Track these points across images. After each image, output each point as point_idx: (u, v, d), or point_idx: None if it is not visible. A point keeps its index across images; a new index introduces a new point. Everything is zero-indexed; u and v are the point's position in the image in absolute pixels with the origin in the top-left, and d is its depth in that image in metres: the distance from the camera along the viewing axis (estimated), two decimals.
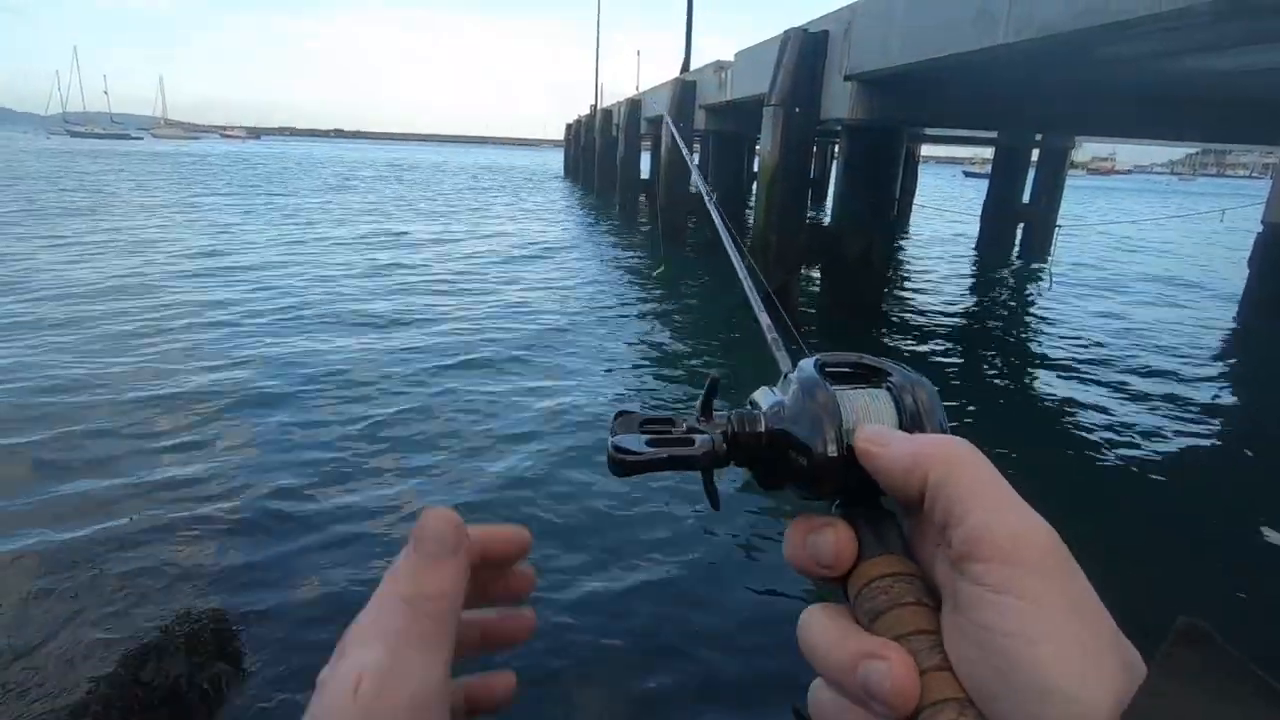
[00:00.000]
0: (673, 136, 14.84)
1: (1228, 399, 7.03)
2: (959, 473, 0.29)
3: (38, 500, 3.93)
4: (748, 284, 0.57)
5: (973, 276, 13.56)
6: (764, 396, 0.37)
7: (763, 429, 0.36)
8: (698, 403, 0.38)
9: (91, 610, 3.04)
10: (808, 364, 0.36)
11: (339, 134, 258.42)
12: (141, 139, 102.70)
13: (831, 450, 0.33)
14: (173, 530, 3.67)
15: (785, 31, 8.16)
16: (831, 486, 0.34)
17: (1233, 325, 9.98)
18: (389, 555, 3.51)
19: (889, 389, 0.35)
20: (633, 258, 13.75)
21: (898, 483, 0.31)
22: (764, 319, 0.50)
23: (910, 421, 0.33)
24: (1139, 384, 7.01)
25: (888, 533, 0.32)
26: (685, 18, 23.15)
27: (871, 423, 0.33)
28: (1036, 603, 0.26)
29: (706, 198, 0.87)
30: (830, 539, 0.32)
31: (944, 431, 0.33)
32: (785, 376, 0.37)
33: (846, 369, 0.37)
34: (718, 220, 0.70)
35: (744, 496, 3.98)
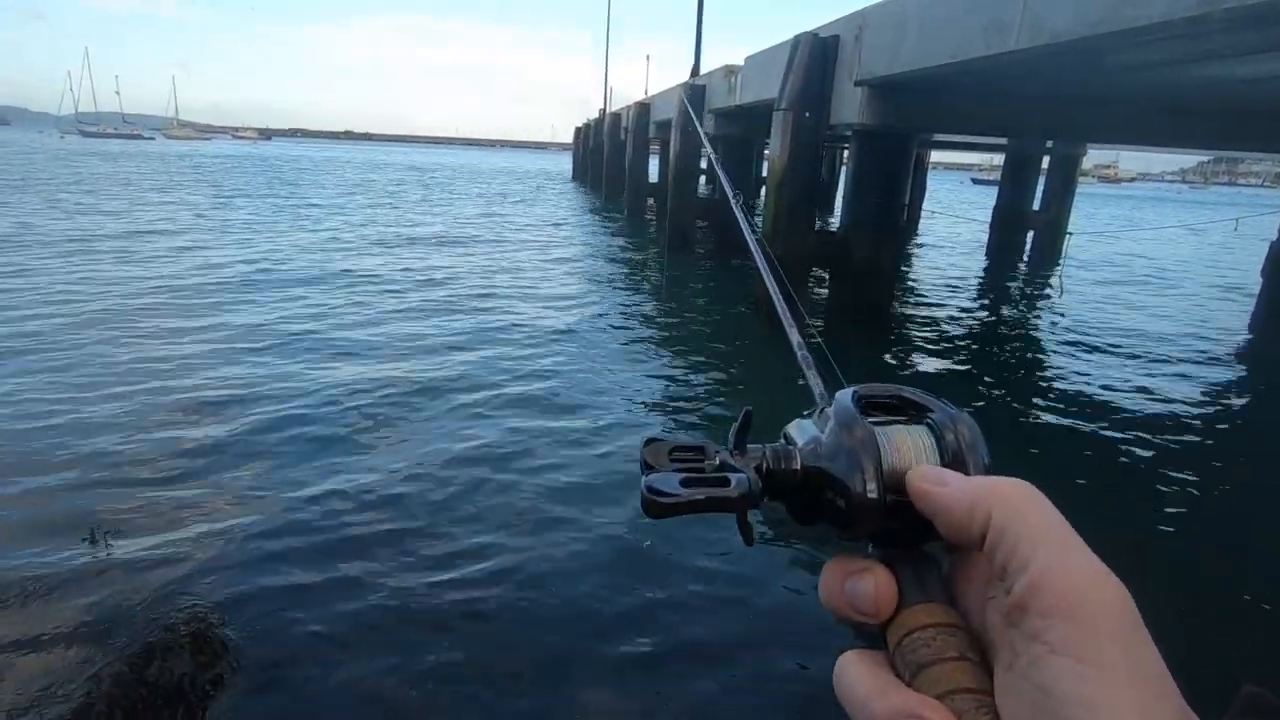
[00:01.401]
0: (681, 143, 14.84)
1: (1242, 411, 6.96)
2: (1024, 515, 0.28)
3: (44, 498, 3.95)
4: (779, 301, 0.54)
5: (982, 284, 13.50)
6: (799, 431, 0.36)
7: (798, 466, 0.34)
8: (730, 435, 0.36)
9: (96, 609, 3.06)
10: (845, 396, 0.35)
11: (349, 135, 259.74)
12: (154, 139, 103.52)
13: (871, 490, 0.31)
14: (180, 529, 3.68)
15: (796, 36, 8.15)
16: (869, 528, 0.32)
17: (1246, 335, 9.89)
18: (392, 563, 3.51)
19: (929, 425, 0.33)
20: (642, 265, 13.75)
21: (957, 524, 0.29)
22: (794, 336, 0.48)
23: (952, 459, 0.32)
24: (1151, 396, 6.95)
25: (929, 578, 0.31)
26: (695, 23, 23.17)
27: (912, 461, 0.32)
28: (1101, 667, 0.24)
29: (733, 201, 0.85)
30: (870, 586, 0.31)
31: (987, 470, 0.32)
32: (821, 411, 0.35)
33: (885, 401, 0.35)
34: (746, 230, 0.68)
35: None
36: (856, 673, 0.30)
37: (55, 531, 3.61)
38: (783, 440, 0.36)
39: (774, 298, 0.54)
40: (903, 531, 0.32)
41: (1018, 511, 0.28)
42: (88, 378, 5.80)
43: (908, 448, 0.32)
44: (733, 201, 0.86)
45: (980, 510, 0.28)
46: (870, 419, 0.33)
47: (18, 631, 2.89)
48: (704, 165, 21.03)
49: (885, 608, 0.30)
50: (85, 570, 3.31)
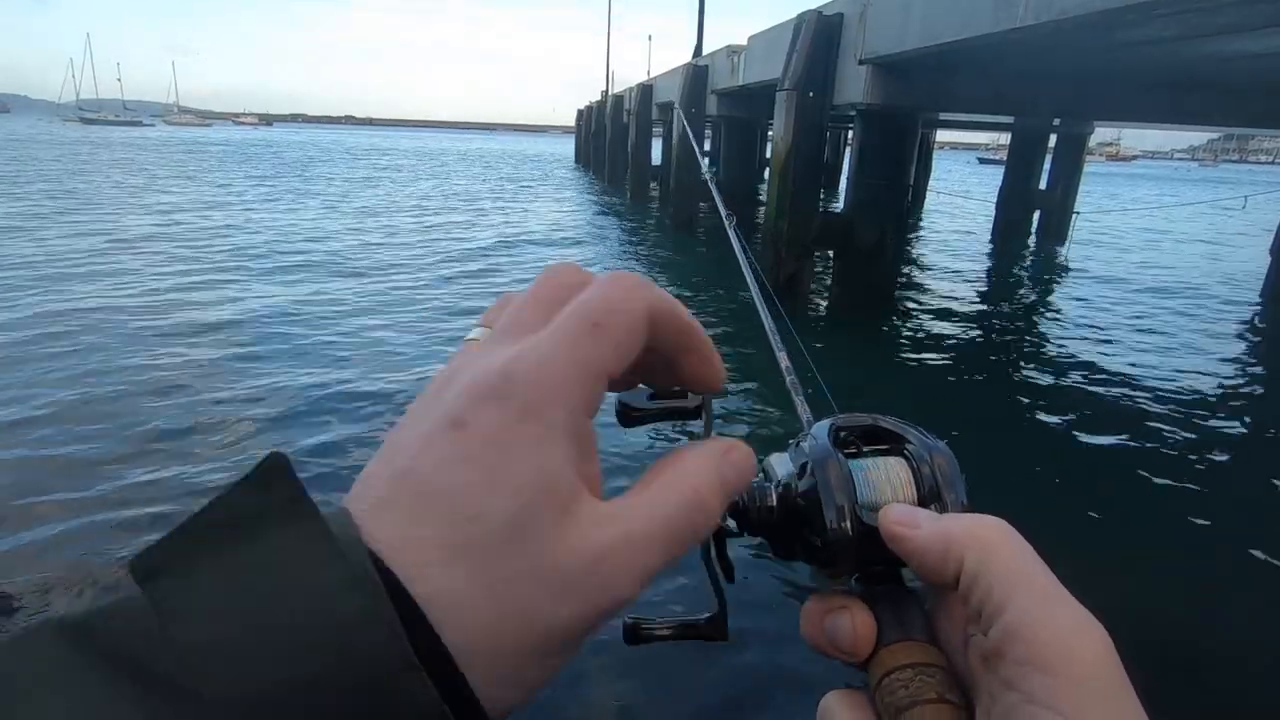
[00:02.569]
0: (684, 128, 14.72)
1: (1248, 391, 6.93)
2: (997, 558, 0.27)
3: (68, 491, 3.99)
4: (769, 325, 0.55)
5: (988, 264, 13.42)
6: (778, 465, 0.36)
7: (774, 503, 0.34)
8: None
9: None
10: (821, 430, 0.34)
11: (350, 120, 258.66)
12: (154, 126, 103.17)
13: (846, 528, 0.31)
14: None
15: (799, 15, 8.06)
16: (847, 565, 0.32)
17: (1254, 314, 9.83)
18: None
19: (906, 456, 0.33)
20: (645, 248, 13.71)
21: (931, 567, 0.29)
22: (783, 360, 0.49)
23: (928, 493, 0.32)
24: (1157, 374, 6.92)
25: (909, 615, 0.30)
26: (698, 2, 22.91)
27: (888, 496, 0.32)
28: None
29: (725, 221, 0.83)
30: (848, 624, 0.30)
31: (964, 503, 0.32)
32: (798, 445, 0.35)
33: (863, 431, 0.35)
34: (740, 255, 0.68)
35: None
36: (838, 717, 0.30)
37: (76, 522, 3.64)
38: (761, 475, 0.36)
39: (764, 322, 0.55)
40: (882, 565, 0.31)
41: (991, 557, 0.27)
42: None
43: (884, 482, 0.32)
44: (725, 222, 0.84)
45: (953, 554, 0.28)
46: (847, 451, 0.33)
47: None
48: (707, 147, 20.92)
49: (864, 646, 0.30)
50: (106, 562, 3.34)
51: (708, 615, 0.33)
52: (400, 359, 6.35)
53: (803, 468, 0.33)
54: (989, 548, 0.27)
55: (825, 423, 0.35)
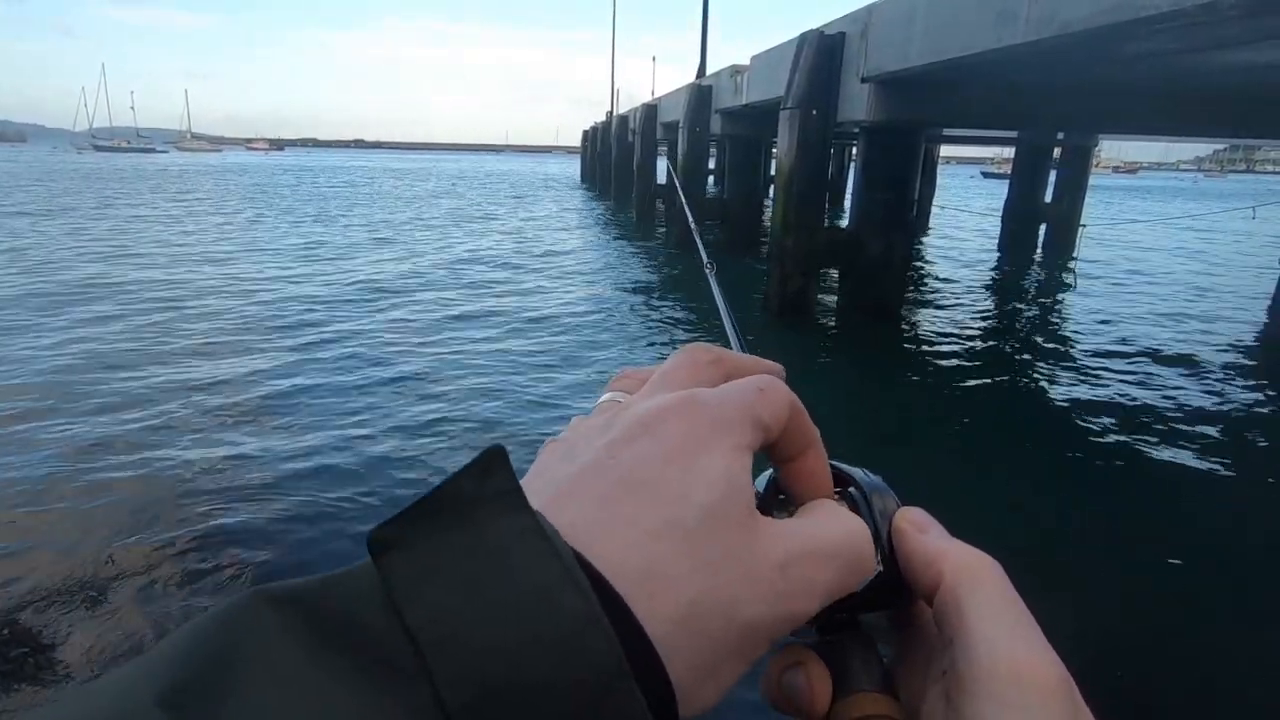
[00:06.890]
0: (689, 143, 14.84)
1: (1256, 406, 6.84)
2: (974, 581, 0.27)
3: (83, 492, 4.01)
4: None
5: (994, 278, 13.38)
6: None
7: None
8: None
9: (131, 604, 3.09)
10: (764, 480, 0.32)
11: (360, 144, 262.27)
12: (166, 152, 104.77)
13: None
14: (216, 527, 3.72)
15: (801, 34, 8.13)
16: None
17: (1262, 327, 9.75)
18: None
19: (849, 499, 0.32)
20: (652, 266, 13.77)
21: (914, 571, 0.29)
22: None
23: (872, 534, 0.30)
24: (1167, 390, 6.85)
25: (865, 666, 0.30)
26: (701, 23, 23.17)
27: None
28: None
29: (706, 269, 0.82)
30: (803, 679, 0.29)
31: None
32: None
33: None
34: (720, 301, 0.68)
35: None
36: None
37: (93, 525, 3.65)
38: None
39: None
40: (835, 615, 0.30)
41: (968, 577, 0.27)
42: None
43: None
44: (705, 269, 0.84)
45: (936, 568, 0.28)
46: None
47: (52, 625, 2.92)
48: (712, 165, 21.10)
49: (820, 701, 0.29)
50: (123, 566, 3.34)
51: None
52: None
53: None
54: (968, 570, 0.27)
55: (768, 473, 0.32)
